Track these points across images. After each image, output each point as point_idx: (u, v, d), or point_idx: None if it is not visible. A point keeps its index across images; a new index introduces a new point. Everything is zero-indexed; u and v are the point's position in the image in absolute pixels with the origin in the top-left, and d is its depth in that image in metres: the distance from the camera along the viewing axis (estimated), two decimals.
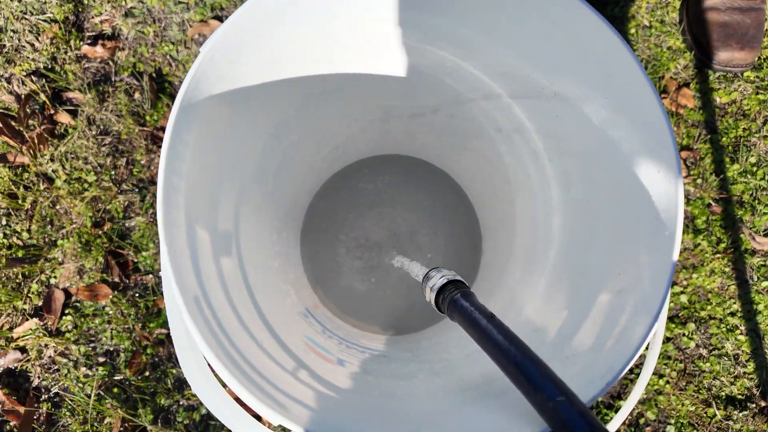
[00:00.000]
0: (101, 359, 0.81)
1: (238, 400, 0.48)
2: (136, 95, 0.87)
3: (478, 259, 0.76)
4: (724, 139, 0.86)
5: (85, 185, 0.85)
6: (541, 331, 0.45)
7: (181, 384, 0.79)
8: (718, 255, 0.83)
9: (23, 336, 0.80)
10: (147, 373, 0.80)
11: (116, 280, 0.82)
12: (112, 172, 0.85)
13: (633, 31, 0.89)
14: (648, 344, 0.37)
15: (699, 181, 0.85)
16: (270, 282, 0.54)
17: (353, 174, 0.77)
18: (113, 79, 0.87)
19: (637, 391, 0.37)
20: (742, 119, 0.87)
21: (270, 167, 0.55)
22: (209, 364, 0.34)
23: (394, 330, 0.73)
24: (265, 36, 0.39)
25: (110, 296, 0.81)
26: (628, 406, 0.38)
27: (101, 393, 0.79)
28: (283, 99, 0.49)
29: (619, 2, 0.90)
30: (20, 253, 0.83)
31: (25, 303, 0.82)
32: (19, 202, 0.84)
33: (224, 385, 0.40)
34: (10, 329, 0.81)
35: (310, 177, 0.70)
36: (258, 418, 0.60)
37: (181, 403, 0.80)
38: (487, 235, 0.74)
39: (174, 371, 0.80)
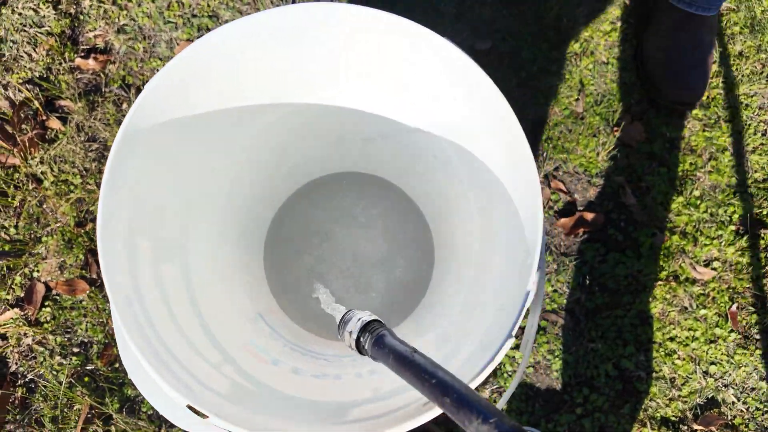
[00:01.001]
0: (75, 349, 0.87)
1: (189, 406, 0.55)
2: (124, 106, 0.95)
3: (430, 274, 0.82)
4: (671, 172, 0.92)
5: (71, 187, 0.92)
6: (449, 340, 0.51)
7: None
8: (660, 282, 0.89)
9: (4, 324, 0.87)
10: (117, 365, 0.87)
11: (94, 276, 0.89)
12: (97, 176, 0.93)
13: (591, 66, 0.96)
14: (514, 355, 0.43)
15: (646, 210, 0.91)
16: (218, 288, 0.60)
17: (317, 189, 0.84)
18: (103, 90, 0.95)
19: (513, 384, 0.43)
20: (689, 154, 0.93)
21: (224, 184, 0.61)
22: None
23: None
24: (214, 70, 0.46)
25: (87, 291, 0.88)
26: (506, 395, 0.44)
27: (73, 381, 0.85)
28: (234, 125, 0.56)
29: (579, 39, 0.97)
30: (6, 247, 0.90)
31: (8, 294, 0.89)
32: (9, 200, 0.91)
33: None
34: None
35: (271, 192, 0.76)
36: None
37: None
38: (438, 250, 0.80)
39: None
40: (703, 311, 0.88)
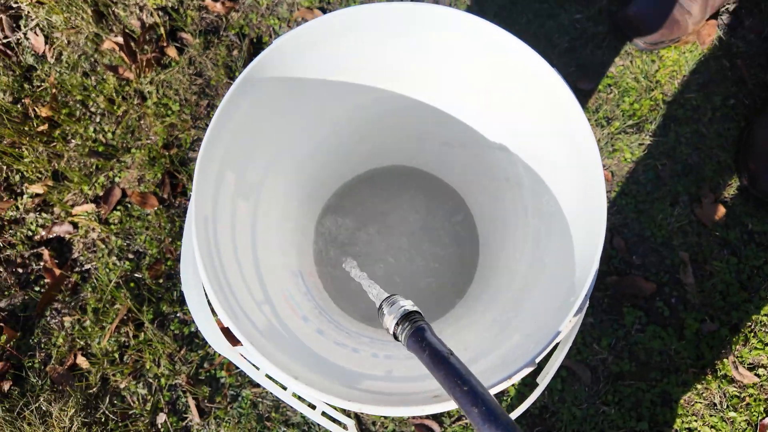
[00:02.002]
0: (130, 255, 0.96)
1: (224, 330, 0.60)
2: (234, 52, 1.03)
3: (465, 289, 0.84)
4: (741, 264, 0.89)
5: (169, 112, 1.01)
6: (468, 346, 0.54)
7: (184, 301, 0.93)
8: (694, 370, 0.87)
9: (79, 215, 0.97)
10: (161, 281, 0.95)
11: (165, 196, 0.98)
12: (193, 109, 1.01)
13: (689, 134, 0.94)
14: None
15: (702, 294, 0.88)
16: (276, 236, 0.65)
17: (385, 174, 0.88)
18: (221, 33, 1.03)
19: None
20: (765, 252, 0.89)
21: (308, 146, 0.66)
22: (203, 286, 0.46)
23: (370, 322, 0.83)
24: (330, 44, 0.51)
25: (156, 207, 0.97)
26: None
27: (120, 283, 0.94)
28: (334, 97, 0.60)
29: (685, 104, 0.95)
30: (101, 149, 1.00)
31: (90, 189, 0.99)
32: (114, 108, 1.01)
33: (214, 314, 0.51)
34: (72, 206, 0.99)
35: (344, 166, 0.81)
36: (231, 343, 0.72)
37: (178, 315, 0.93)
38: (481, 268, 0.82)
39: (181, 288, 0.94)
40: (732, 414, 0.85)
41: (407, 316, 0.42)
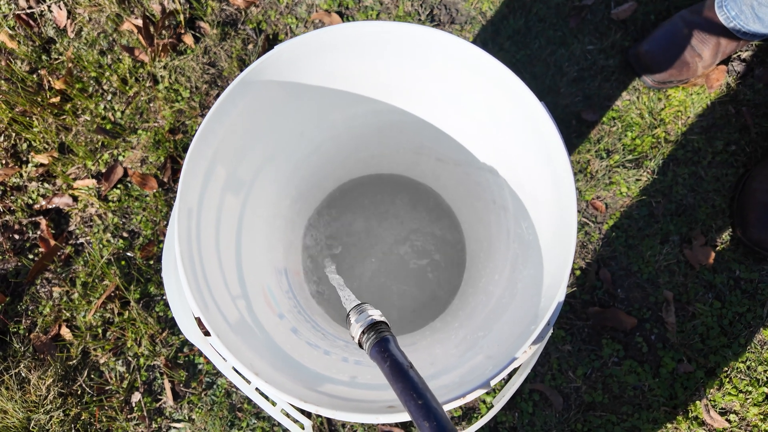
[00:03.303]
0: (125, 234, 0.98)
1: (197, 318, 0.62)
2: (249, 46, 1.05)
3: (446, 304, 0.85)
4: (724, 309, 0.90)
5: (179, 97, 1.03)
6: (436, 365, 0.55)
7: None
8: (666, 408, 0.87)
9: (80, 189, 1.00)
10: (151, 262, 0.97)
11: (165, 179, 1.00)
12: (203, 97, 1.03)
13: (687, 176, 0.95)
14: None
15: (682, 335, 0.89)
16: (264, 232, 0.67)
17: (381, 182, 0.89)
18: (238, 27, 1.05)
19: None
20: (750, 301, 0.90)
21: (305, 149, 0.68)
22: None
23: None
24: (327, 56, 0.52)
25: (155, 190, 0.99)
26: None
27: (111, 260, 0.96)
28: (333, 105, 0.62)
29: (687, 147, 0.96)
30: (108, 126, 1.03)
31: (93, 165, 1.01)
32: (126, 88, 1.03)
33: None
34: (74, 179, 1.01)
35: (340, 170, 0.82)
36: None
37: (164, 297, 0.95)
38: (464, 286, 0.84)
39: None
40: None
41: (373, 326, 0.44)
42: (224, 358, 0.49)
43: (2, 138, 1.03)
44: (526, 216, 0.56)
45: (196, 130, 1.02)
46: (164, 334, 0.93)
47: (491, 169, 0.63)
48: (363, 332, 0.44)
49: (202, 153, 0.48)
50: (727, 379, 0.88)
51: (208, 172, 0.49)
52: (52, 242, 0.98)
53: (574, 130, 0.98)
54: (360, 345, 0.44)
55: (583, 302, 0.91)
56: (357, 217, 0.88)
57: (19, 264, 0.98)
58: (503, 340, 0.49)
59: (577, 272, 0.92)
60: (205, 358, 0.92)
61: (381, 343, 0.41)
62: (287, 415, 0.76)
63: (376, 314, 0.45)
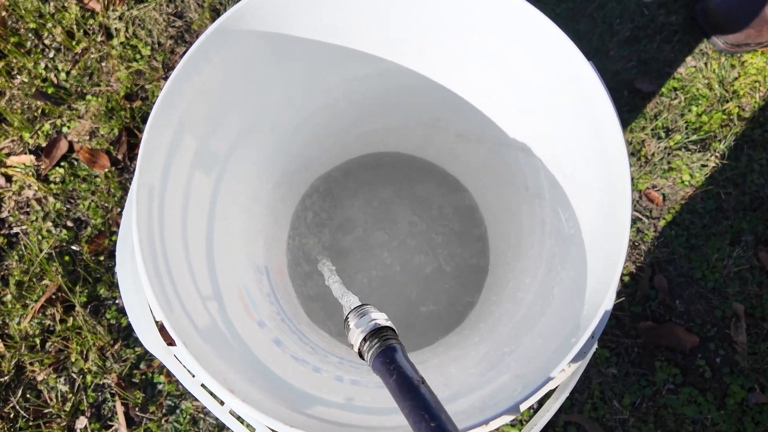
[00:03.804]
0: (69, 223, 0.98)
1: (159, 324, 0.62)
2: None
3: (465, 315, 0.85)
4: None
5: (137, 56, 1.03)
6: (451, 387, 0.55)
7: None
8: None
9: (14, 167, 1.00)
10: (101, 258, 0.97)
11: (119, 157, 1.00)
12: (167, 56, 1.03)
13: (765, 161, 0.94)
14: None
15: (755, 357, 0.89)
16: (241, 221, 0.67)
17: (386, 163, 0.89)
18: None
19: None
20: None
21: (293, 118, 0.68)
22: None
23: (345, 338, 0.84)
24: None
25: (107, 169, 0.99)
26: None
27: (53, 254, 0.97)
28: (329, 64, 0.62)
29: (764, 124, 0.95)
30: (50, 90, 1.03)
31: (32, 137, 1.01)
32: (73, 43, 1.03)
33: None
34: (7, 155, 1.01)
35: (335, 147, 0.82)
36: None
37: (117, 302, 0.96)
38: (486, 291, 0.84)
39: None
40: None
41: (377, 332, 0.43)
42: (192, 373, 0.49)
43: None
44: (566, 205, 0.56)
45: (158, 96, 1.02)
46: (116, 347, 0.93)
47: (524, 147, 0.63)
48: (365, 339, 0.44)
49: (168, 118, 0.48)
50: None
51: (175, 142, 0.49)
52: None
53: (626, 102, 0.98)
54: (360, 355, 0.44)
55: (632, 315, 0.91)
56: (355, 206, 0.88)
57: None
58: (535, 356, 0.49)
59: (626, 278, 0.92)
60: (167, 376, 0.92)
61: (386, 353, 0.41)
62: None
63: (380, 318, 0.45)
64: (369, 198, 0.89)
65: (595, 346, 0.45)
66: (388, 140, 0.86)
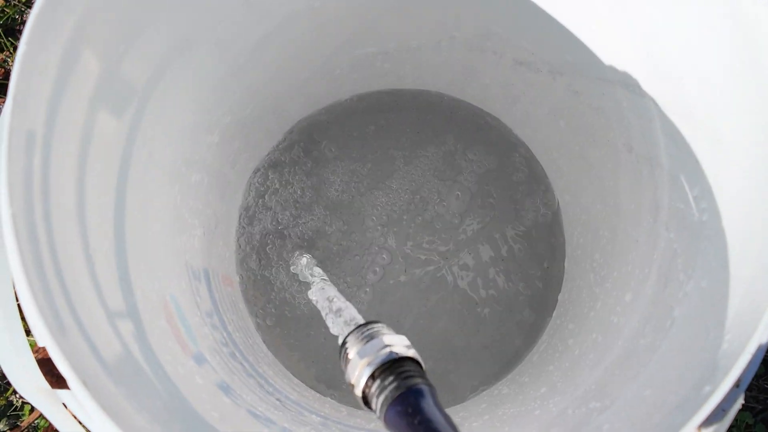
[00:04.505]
0: None
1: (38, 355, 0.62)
2: None
3: (529, 345, 0.86)
4: None
5: None
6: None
7: None
8: None
9: None
10: None
11: None
12: None
13: None
14: None
15: None
16: (166, 194, 0.67)
17: (398, 106, 0.89)
18: None
19: None
20: None
21: (251, 32, 0.68)
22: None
23: (329, 384, 0.84)
24: None
25: None
26: None
27: None
28: None
29: None
30: None
31: None
32: None
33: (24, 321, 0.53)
34: None
35: (320, 79, 0.82)
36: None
37: None
38: (566, 292, 0.84)
39: None
40: None
41: (394, 366, 0.44)
42: None
43: None
44: (696, 174, 0.55)
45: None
46: None
47: (628, 82, 0.62)
48: (373, 377, 0.44)
49: (55, 25, 0.47)
50: None
51: (67, 64, 0.49)
52: None
53: None
54: (365, 401, 0.44)
55: None
56: (347, 176, 0.88)
57: None
58: (645, 415, 0.48)
59: None
60: None
61: (408, 398, 0.41)
62: None
63: (398, 344, 0.46)
64: (370, 164, 0.88)
65: (741, 400, 0.45)
66: (402, 70, 0.86)
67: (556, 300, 0.85)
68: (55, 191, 0.49)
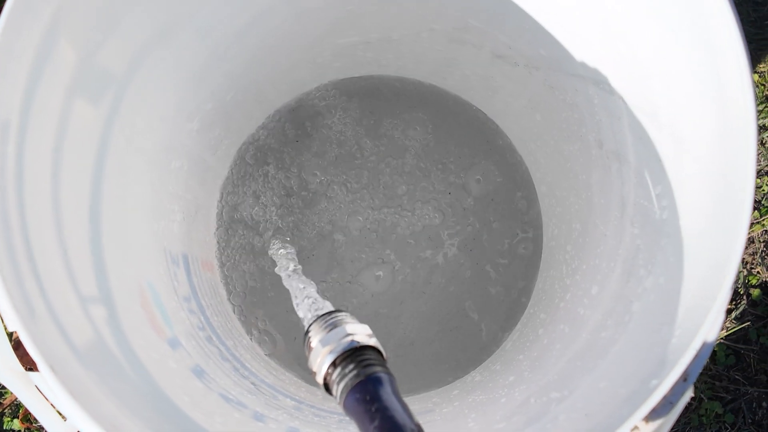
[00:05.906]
0: None
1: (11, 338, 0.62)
2: None
3: (502, 337, 0.87)
4: None
5: None
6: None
7: None
8: None
9: None
10: None
11: None
12: None
13: None
14: None
15: None
16: (145, 181, 0.68)
17: (381, 93, 0.90)
18: None
19: None
20: None
21: (233, 19, 0.68)
22: None
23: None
24: None
25: None
26: None
27: None
28: None
29: None
30: None
31: None
32: None
33: None
34: None
35: (304, 65, 0.83)
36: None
37: None
38: (540, 283, 0.85)
39: None
40: None
41: (354, 354, 0.44)
42: (62, 415, 0.51)
43: None
44: (659, 172, 0.57)
45: None
46: None
47: (598, 79, 0.63)
48: (334, 364, 0.45)
49: (32, 13, 0.48)
50: None
51: (43, 51, 0.50)
52: None
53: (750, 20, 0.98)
54: (327, 387, 0.45)
55: (763, 351, 0.92)
56: (326, 162, 0.89)
57: None
58: (598, 406, 0.50)
59: (755, 292, 0.94)
60: (24, 420, 0.94)
61: (366, 386, 0.42)
62: None
63: (360, 332, 0.46)
64: (352, 149, 0.89)
65: (690, 393, 0.46)
66: (385, 58, 0.86)
67: (532, 290, 0.86)
68: (29, 178, 0.50)
